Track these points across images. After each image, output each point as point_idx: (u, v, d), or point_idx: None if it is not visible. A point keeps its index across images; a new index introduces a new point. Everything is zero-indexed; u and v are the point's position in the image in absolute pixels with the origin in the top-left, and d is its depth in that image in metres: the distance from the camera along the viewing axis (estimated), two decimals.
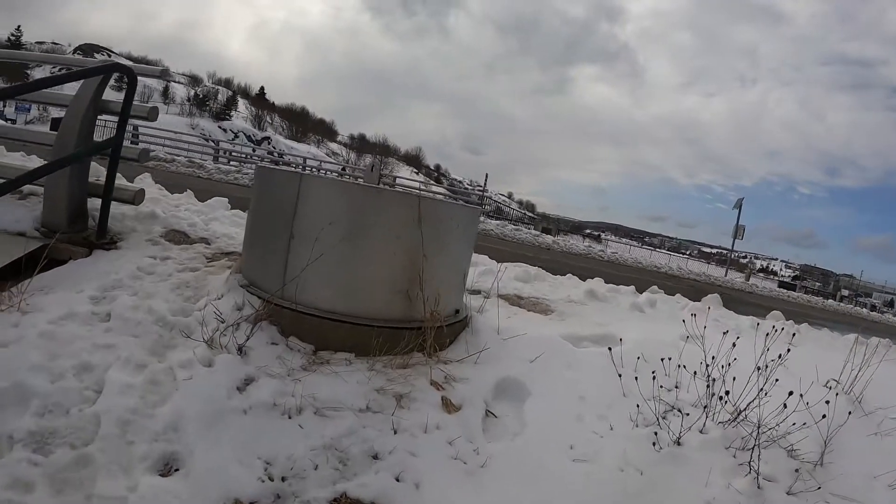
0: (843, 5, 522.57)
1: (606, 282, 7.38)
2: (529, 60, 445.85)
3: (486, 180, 39.80)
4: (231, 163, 29.38)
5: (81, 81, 4.69)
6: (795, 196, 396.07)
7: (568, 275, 7.78)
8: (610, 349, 3.78)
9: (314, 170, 34.38)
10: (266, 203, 3.95)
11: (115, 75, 4.97)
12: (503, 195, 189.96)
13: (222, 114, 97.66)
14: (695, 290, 17.48)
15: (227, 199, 6.87)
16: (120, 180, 5.08)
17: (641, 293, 6.99)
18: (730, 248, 37.07)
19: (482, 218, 22.21)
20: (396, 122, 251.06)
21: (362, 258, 3.62)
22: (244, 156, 38.76)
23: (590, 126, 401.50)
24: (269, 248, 3.79)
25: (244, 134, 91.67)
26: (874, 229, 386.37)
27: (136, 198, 4.97)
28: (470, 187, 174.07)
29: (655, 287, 7.43)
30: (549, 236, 22.89)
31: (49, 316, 3.37)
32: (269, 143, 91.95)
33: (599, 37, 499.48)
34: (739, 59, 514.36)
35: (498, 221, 22.95)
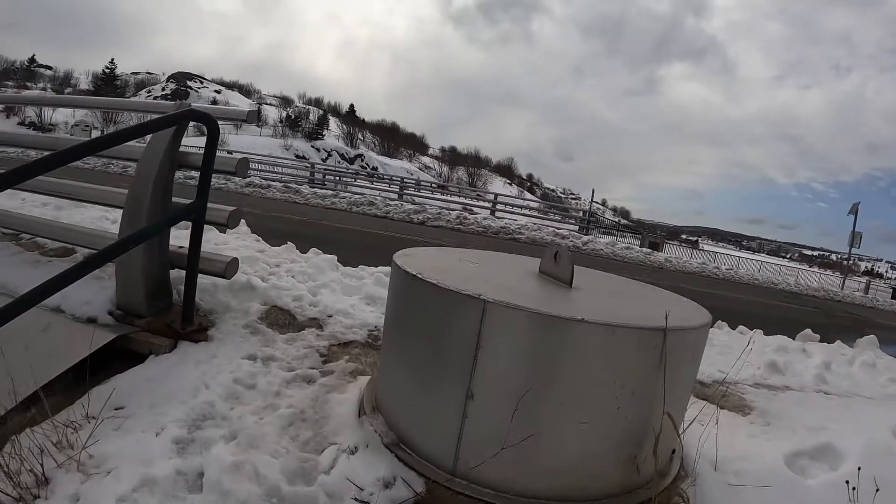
0: None
1: (733, 312, 6.18)
2: (616, 62, 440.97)
3: (592, 196, 38.33)
4: (326, 184, 29.02)
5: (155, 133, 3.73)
6: None
7: (724, 327, 6.57)
8: (847, 482, 2.53)
9: (411, 186, 33.75)
10: (420, 329, 2.60)
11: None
12: (597, 202, 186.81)
13: (315, 133, 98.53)
14: (823, 312, 15.99)
15: (335, 258, 5.79)
16: (209, 241, 4.19)
17: (794, 337, 5.95)
18: (834, 250, 34.62)
19: (591, 237, 21.17)
20: (486, 131, 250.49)
21: (575, 421, 2.28)
22: (337, 177, 38.40)
23: (683, 126, 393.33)
24: (430, 402, 2.51)
25: (337, 152, 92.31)
26: None
27: (228, 271, 3.95)
28: (563, 195, 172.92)
29: (809, 331, 6.15)
30: (659, 253, 21.44)
31: (120, 488, 2.27)
32: (361, 161, 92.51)
33: (686, 32, 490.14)
34: (833, 46, 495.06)
35: (607, 239, 21.53)
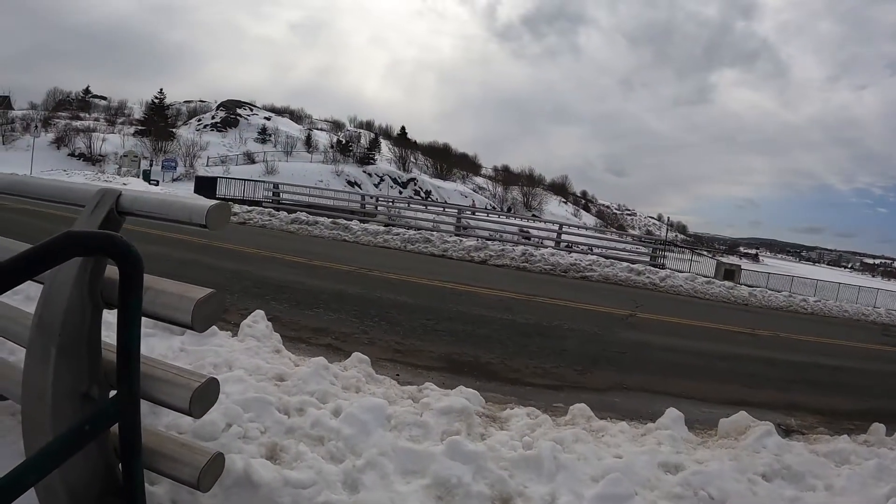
0: None
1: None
2: (665, 71, 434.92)
3: (668, 225, 36.24)
4: (378, 215, 27.61)
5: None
6: None
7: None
8: None
9: (468, 217, 32.01)
10: None
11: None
12: (652, 217, 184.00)
13: (366, 158, 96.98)
14: None
15: (384, 406, 3.98)
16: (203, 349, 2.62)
17: None
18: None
19: (668, 272, 19.37)
20: (537, 148, 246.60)
21: None
22: (390, 201, 36.96)
23: (736, 134, 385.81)
24: None
25: (389, 177, 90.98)
26: None
27: (203, 482, 2.39)
28: (619, 212, 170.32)
29: None
30: (742, 287, 19.49)
31: None
32: (414, 184, 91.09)
33: (736, 36, 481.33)
34: (887, 42, 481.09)
35: (686, 274, 19.58)
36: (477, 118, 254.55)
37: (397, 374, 5.57)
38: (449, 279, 11.74)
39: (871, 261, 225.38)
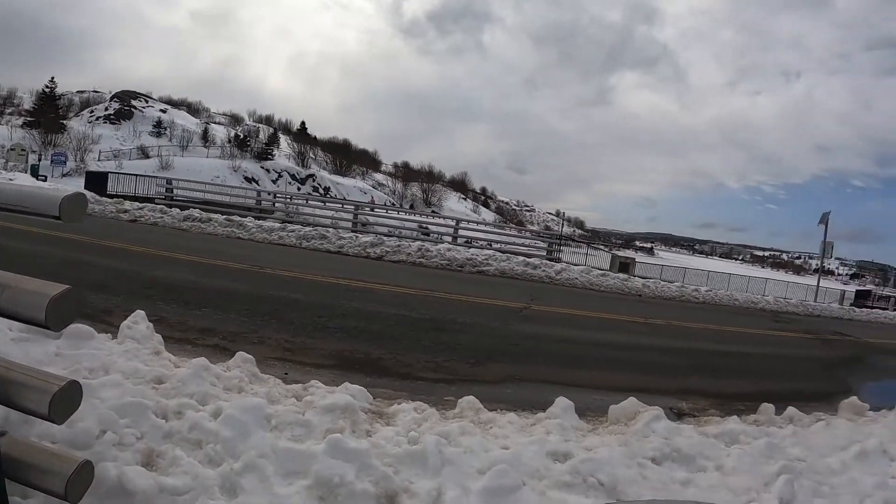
0: None
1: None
2: (569, 71, 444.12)
3: (562, 220, 36.97)
4: (276, 212, 27.06)
5: None
6: (848, 190, 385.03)
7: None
8: None
9: (366, 213, 31.81)
10: None
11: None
12: (551, 214, 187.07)
13: (265, 153, 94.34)
14: (820, 340, 14.99)
15: (263, 405, 3.74)
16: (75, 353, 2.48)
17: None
18: (784, 249, 33.75)
19: (564, 265, 19.69)
20: (440, 146, 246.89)
21: None
22: (288, 197, 36.48)
23: (636, 135, 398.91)
24: None
25: (288, 173, 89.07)
26: None
27: (71, 492, 2.30)
28: (518, 208, 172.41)
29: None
30: (637, 279, 20.04)
31: None
32: (313, 181, 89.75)
33: (638, 41, 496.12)
34: (783, 52, 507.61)
35: (581, 267, 19.98)
36: (379, 114, 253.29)
37: (285, 373, 5.46)
38: (344, 276, 11.57)
39: (760, 253, 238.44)
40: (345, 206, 32.64)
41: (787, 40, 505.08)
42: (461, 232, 25.49)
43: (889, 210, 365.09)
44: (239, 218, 19.73)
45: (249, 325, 7.14)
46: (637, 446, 4.27)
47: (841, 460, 4.55)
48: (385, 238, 19.24)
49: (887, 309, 37.03)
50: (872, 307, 37.56)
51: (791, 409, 6.38)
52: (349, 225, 24.83)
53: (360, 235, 18.81)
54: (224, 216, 19.79)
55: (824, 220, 31.19)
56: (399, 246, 17.36)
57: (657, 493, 3.75)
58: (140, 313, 4.76)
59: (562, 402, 4.85)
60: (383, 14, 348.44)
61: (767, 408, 6.26)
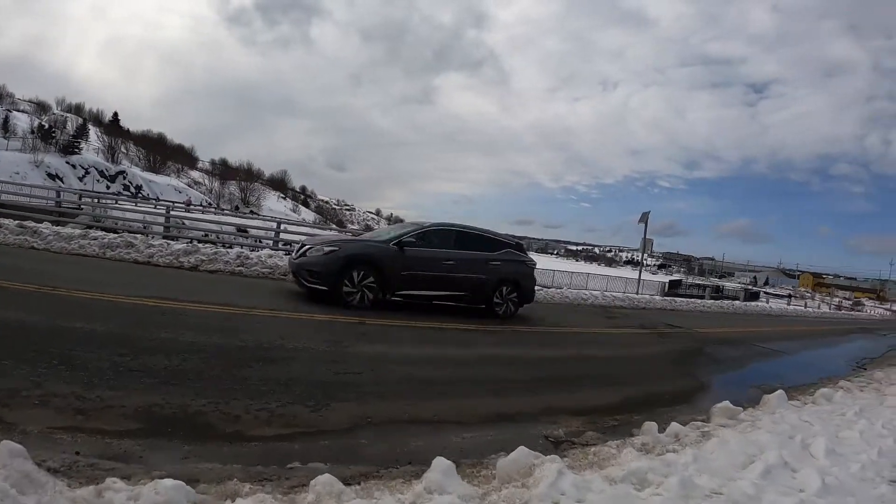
0: (708, 7, 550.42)
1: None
2: (395, 69, 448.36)
3: (387, 222, 36.03)
4: (81, 214, 24.16)
5: None
6: (656, 190, 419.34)
7: None
8: None
9: (182, 216, 29.37)
10: None
11: None
12: (371, 213, 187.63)
13: (71, 146, 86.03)
14: (656, 333, 15.68)
15: None
16: None
17: None
18: (596, 244, 35.35)
19: None
20: (260, 142, 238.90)
21: None
22: (96, 199, 33.35)
23: (457, 135, 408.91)
24: None
25: (96, 169, 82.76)
26: (734, 215, 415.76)
27: None
28: (338, 207, 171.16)
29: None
30: None
31: None
32: (124, 178, 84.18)
33: (466, 44, 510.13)
34: (605, 63, 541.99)
35: None
36: (198, 107, 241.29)
37: (77, 453, 3.91)
38: (152, 293, 9.70)
39: (574, 248, 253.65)
40: (158, 207, 30.17)
41: (609, 52, 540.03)
42: (283, 235, 23.71)
43: (692, 207, 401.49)
44: (34, 224, 17.22)
45: (31, 376, 5.13)
46: None
47: (752, 483, 4.42)
48: (200, 245, 17.21)
49: (704, 297, 39.85)
50: (684, 295, 40.68)
51: (674, 426, 6.25)
52: (161, 230, 22.42)
53: (173, 242, 16.59)
54: (16, 222, 17.23)
55: (644, 219, 32.48)
56: (216, 253, 15.38)
57: None
58: None
59: (440, 465, 3.86)
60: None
61: (651, 426, 6.14)
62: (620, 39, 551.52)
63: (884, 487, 4.79)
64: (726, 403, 7.40)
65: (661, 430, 6.11)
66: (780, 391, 8.37)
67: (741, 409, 7.43)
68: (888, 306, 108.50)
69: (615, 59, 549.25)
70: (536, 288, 15.92)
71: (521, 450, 4.42)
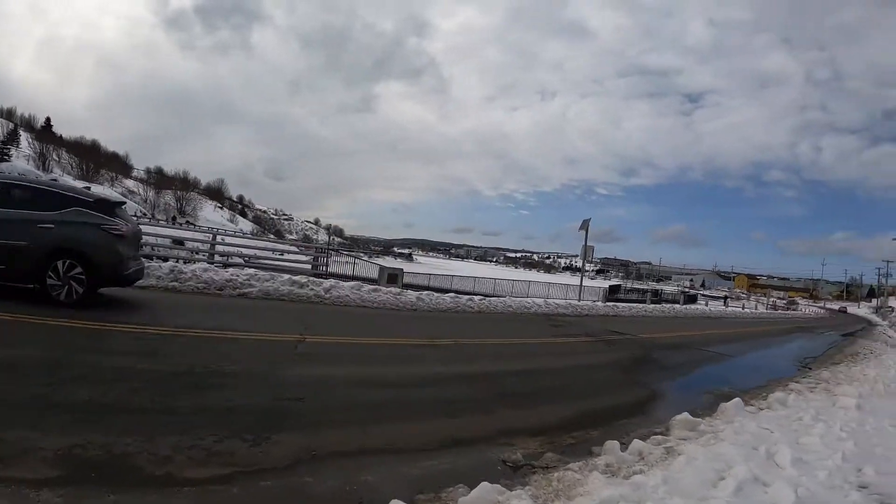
0: (646, 20, 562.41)
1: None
2: (335, 77, 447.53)
3: (330, 234, 35.42)
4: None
5: None
6: (594, 197, 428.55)
7: None
8: None
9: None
10: None
11: None
12: (310, 222, 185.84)
13: (0, 154, 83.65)
14: (603, 341, 15.52)
15: None
16: None
17: None
18: (534, 250, 35.19)
19: (334, 282, 18.19)
20: (197, 150, 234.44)
21: None
22: None
23: (398, 143, 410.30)
24: None
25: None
26: (670, 220, 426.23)
27: None
28: (276, 217, 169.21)
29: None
30: (410, 292, 18.77)
31: None
32: None
33: (408, 52, 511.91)
34: (545, 73, 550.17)
35: (352, 283, 18.09)
36: (134, 113, 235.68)
37: None
38: (78, 314, 8.70)
39: (513, 255, 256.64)
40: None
41: (549, 63, 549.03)
42: (219, 247, 22.65)
43: (629, 214, 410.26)
44: None
45: None
46: None
47: (726, 502, 4.30)
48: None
49: (645, 302, 40.37)
50: (624, 300, 41.17)
51: (637, 443, 5.96)
52: None
53: None
54: None
55: (585, 226, 32.65)
56: (148, 268, 14.58)
57: None
58: None
59: None
60: (147, 1, 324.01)
61: (613, 445, 5.80)
62: (560, 50, 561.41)
63: (854, 495, 4.72)
64: (685, 415, 7.24)
65: (624, 447, 5.85)
66: (737, 399, 8.31)
67: (700, 420, 7.28)
68: (822, 304, 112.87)
69: (554, 70, 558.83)
70: (477, 299, 15.13)
71: (484, 486, 4.07)
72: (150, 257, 16.55)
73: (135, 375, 6.24)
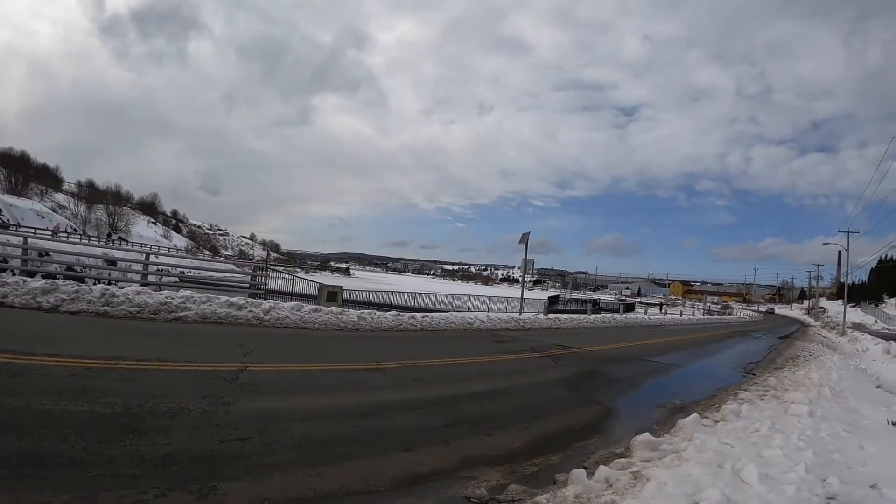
0: (583, 35, 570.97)
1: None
2: (271, 89, 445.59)
3: (268, 252, 34.79)
4: None
5: None
6: (530, 209, 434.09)
7: None
8: None
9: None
10: None
11: None
12: (245, 237, 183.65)
13: None
14: (550, 357, 15.29)
15: None
16: None
17: None
18: (472, 262, 35.28)
19: (273, 303, 17.68)
20: (129, 163, 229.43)
21: None
22: None
23: (335, 157, 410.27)
24: None
25: None
26: (605, 230, 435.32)
27: None
28: (211, 232, 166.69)
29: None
30: (352, 311, 18.21)
31: None
32: None
33: (346, 64, 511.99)
34: (482, 87, 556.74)
35: (292, 303, 17.22)
36: (65, 123, 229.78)
37: None
38: (4, 346, 7.94)
39: (450, 267, 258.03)
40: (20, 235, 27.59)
41: (486, 77, 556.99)
42: (153, 267, 21.28)
43: (565, 224, 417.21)
44: None
45: None
46: None
47: None
48: (60, 282, 15.23)
49: (586, 313, 40.74)
50: (564, 310, 41.66)
51: (603, 470, 5.79)
52: (19, 263, 19.58)
53: (29, 280, 14.58)
54: None
55: (524, 239, 32.58)
56: (77, 291, 13.64)
57: None
58: None
59: None
60: (84, 6, 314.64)
61: (580, 475, 5.61)
62: (498, 65, 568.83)
63: None
64: (647, 436, 7.21)
65: (590, 475, 5.67)
66: (694, 415, 8.36)
67: (661, 439, 7.27)
68: (755, 308, 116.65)
69: (492, 84, 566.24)
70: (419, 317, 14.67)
71: None
72: (81, 279, 15.76)
73: (66, 419, 5.62)
